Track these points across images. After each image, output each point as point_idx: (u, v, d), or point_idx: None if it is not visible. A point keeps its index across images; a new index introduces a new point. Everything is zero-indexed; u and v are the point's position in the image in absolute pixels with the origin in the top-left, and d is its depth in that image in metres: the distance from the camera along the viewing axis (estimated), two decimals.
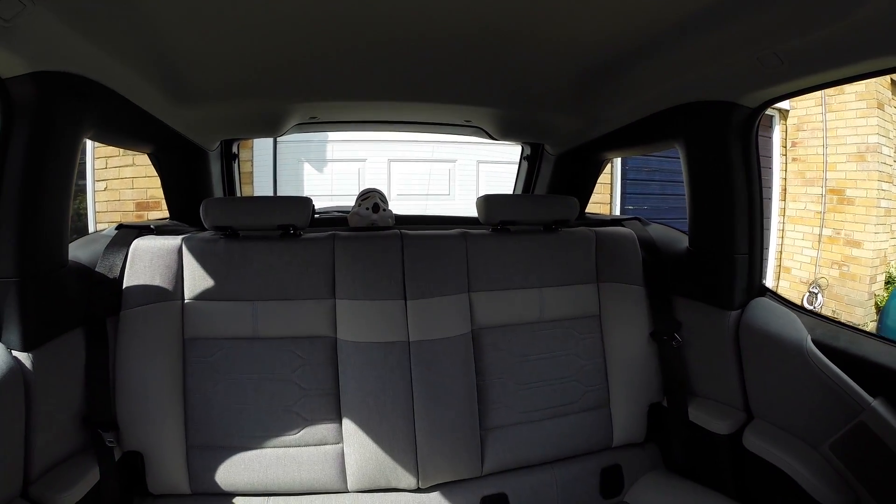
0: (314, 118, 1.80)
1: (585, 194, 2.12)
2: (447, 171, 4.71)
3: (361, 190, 1.78)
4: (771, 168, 5.29)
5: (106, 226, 2.19)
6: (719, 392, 1.44)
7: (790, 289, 5.22)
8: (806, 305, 2.35)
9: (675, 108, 1.39)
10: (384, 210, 1.71)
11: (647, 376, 1.53)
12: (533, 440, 1.45)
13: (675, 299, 1.55)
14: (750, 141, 1.34)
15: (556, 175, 2.09)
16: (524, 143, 2.20)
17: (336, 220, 1.85)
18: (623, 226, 1.73)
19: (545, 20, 1.01)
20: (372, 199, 1.70)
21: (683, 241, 1.55)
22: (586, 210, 2.14)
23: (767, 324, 1.32)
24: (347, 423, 1.37)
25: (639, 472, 1.51)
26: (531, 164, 2.20)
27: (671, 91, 1.35)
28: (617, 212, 4.76)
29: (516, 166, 2.36)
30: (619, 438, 1.52)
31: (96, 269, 1.32)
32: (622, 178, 4.86)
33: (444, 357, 1.41)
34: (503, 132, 1.96)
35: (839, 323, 1.35)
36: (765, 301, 1.39)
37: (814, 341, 1.24)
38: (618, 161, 4.77)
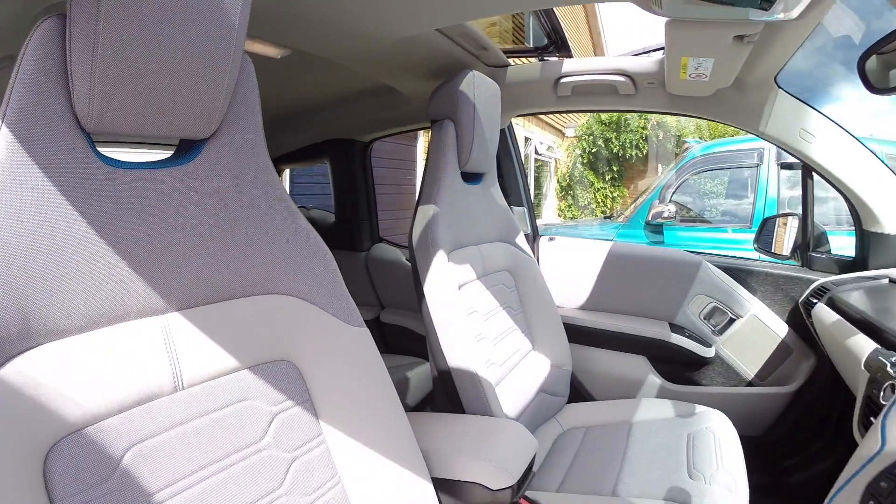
0: None
1: None
2: None
3: None
4: (415, 167, 7.01)
5: None
6: (360, 297, 2.25)
7: None
8: None
9: (326, 141, 2.28)
10: None
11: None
12: None
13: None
14: (365, 159, 2.33)
15: None
16: None
17: None
18: None
19: None
20: None
21: (331, 218, 2.45)
22: None
23: (381, 256, 2.30)
24: None
25: None
26: None
27: (325, 132, 2.23)
28: None
29: None
30: None
31: None
32: (290, 181, 5.87)
33: None
34: None
35: None
36: (381, 245, 2.39)
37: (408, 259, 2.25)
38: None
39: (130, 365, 0.54)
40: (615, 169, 10.58)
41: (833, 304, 1.30)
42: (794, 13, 0.93)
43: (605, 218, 6.38)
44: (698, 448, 1.28)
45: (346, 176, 2.30)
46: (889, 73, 1.16)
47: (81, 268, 0.51)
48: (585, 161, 10.70)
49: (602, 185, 10.62)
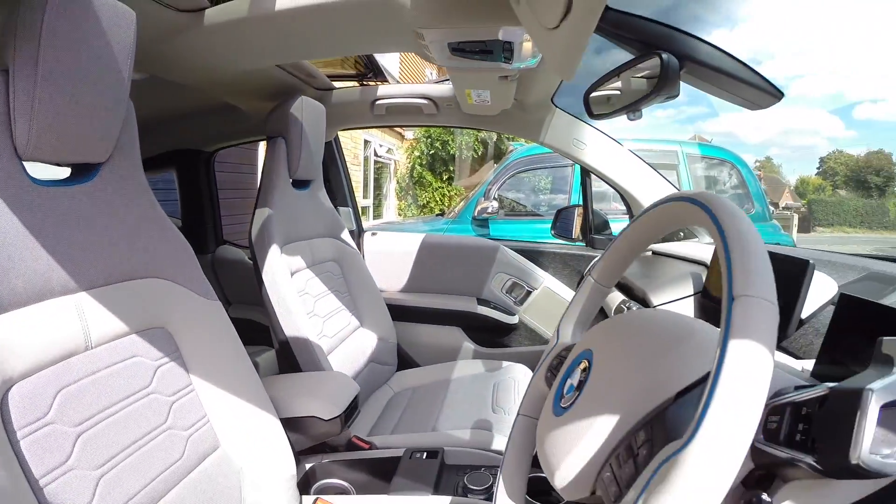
0: None
1: None
2: None
3: None
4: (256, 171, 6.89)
5: None
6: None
7: None
8: None
9: (173, 151, 2.34)
10: None
11: None
12: None
13: None
14: (210, 168, 2.44)
15: None
16: None
17: None
18: None
19: None
20: None
21: (178, 223, 2.50)
22: None
23: (226, 257, 2.43)
24: None
25: None
26: None
27: (172, 143, 2.30)
28: None
29: None
30: None
31: None
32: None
33: None
34: None
35: None
36: (225, 247, 2.51)
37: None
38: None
39: (55, 330, 0.73)
40: (452, 169, 11.24)
41: None
42: (533, 63, 1.30)
43: (438, 215, 6.86)
44: (502, 392, 1.66)
45: (192, 184, 2.40)
46: (603, 104, 1.58)
47: (18, 259, 0.70)
48: (424, 162, 11.24)
49: (440, 185, 11.24)
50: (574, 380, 0.60)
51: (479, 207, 4.69)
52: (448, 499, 1.06)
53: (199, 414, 0.92)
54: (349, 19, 1.10)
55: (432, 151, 11.11)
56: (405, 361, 2.10)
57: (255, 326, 2.35)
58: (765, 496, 0.46)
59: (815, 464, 0.43)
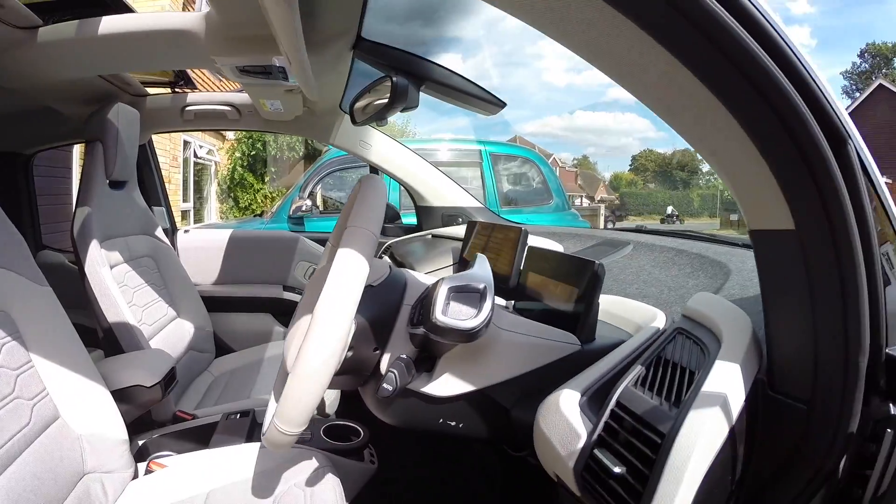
0: None
1: None
2: None
3: None
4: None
5: None
6: None
7: None
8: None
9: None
10: None
11: None
12: None
13: None
14: (28, 171, 2.33)
15: None
16: None
17: None
18: None
19: None
20: None
21: None
22: None
23: (45, 261, 2.30)
24: None
25: None
26: None
27: None
28: None
29: None
30: None
31: None
32: None
33: None
34: None
35: None
36: (46, 252, 2.37)
37: None
38: None
39: None
40: (273, 170, 11.07)
41: (391, 254, 2.04)
42: (294, 84, 1.55)
43: (257, 216, 6.82)
44: None
45: (9, 188, 2.31)
46: (360, 113, 1.75)
47: None
48: (245, 164, 10.91)
49: (261, 187, 10.99)
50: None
51: (294, 206, 4.84)
52: (256, 445, 1.25)
53: (40, 388, 1.00)
54: (159, 44, 1.34)
55: (253, 152, 10.80)
56: (223, 348, 2.27)
57: (80, 329, 2.33)
58: (404, 356, 0.83)
59: (425, 330, 0.79)
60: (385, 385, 0.79)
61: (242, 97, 2.11)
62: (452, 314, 0.75)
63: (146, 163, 2.28)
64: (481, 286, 0.77)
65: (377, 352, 0.86)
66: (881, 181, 0.56)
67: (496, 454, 1.50)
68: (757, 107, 0.50)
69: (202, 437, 1.46)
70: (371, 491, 1.28)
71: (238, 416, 1.50)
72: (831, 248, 0.52)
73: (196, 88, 2.15)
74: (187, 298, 2.03)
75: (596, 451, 0.69)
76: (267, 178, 11.06)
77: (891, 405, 0.55)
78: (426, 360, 0.87)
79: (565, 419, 0.75)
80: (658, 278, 1.19)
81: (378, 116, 1.53)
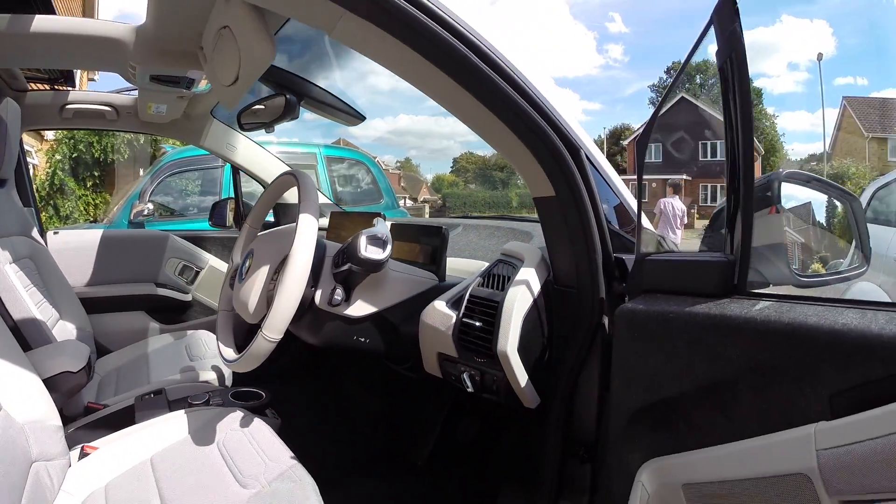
0: None
1: None
2: None
3: None
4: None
5: None
6: None
7: None
8: None
9: None
10: None
11: None
12: None
13: None
14: None
15: None
16: None
17: None
18: None
19: None
20: None
21: None
22: None
23: None
24: None
25: None
26: None
27: None
28: None
29: None
30: None
31: None
32: None
33: None
34: None
35: None
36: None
37: None
38: None
39: None
40: (97, 175, 10.04)
41: None
42: (206, 90, 1.77)
43: (91, 223, 6.33)
44: (193, 348, 2.01)
45: None
46: (249, 120, 1.98)
47: None
48: (66, 167, 9.76)
49: (84, 192, 9.90)
50: (245, 265, 1.27)
51: (134, 210, 4.74)
52: (180, 412, 1.36)
53: None
54: (84, 48, 1.45)
55: (75, 154, 9.69)
56: (101, 349, 2.23)
57: None
58: (339, 290, 1.23)
59: (351, 264, 1.20)
60: (336, 297, 1.23)
61: (122, 98, 2.15)
62: (370, 252, 1.17)
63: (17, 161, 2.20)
64: (384, 235, 1.20)
65: (312, 289, 1.24)
66: (610, 173, 1.07)
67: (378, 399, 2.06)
68: (519, 124, 0.94)
69: (123, 421, 1.49)
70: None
71: (151, 395, 1.57)
72: (574, 206, 0.98)
73: (76, 87, 2.15)
74: (66, 300, 2.00)
75: (464, 319, 1.18)
76: (90, 184, 10.00)
77: (624, 285, 0.99)
78: (345, 291, 1.27)
79: (442, 310, 1.23)
80: (483, 246, 1.71)
81: (267, 126, 1.85)
